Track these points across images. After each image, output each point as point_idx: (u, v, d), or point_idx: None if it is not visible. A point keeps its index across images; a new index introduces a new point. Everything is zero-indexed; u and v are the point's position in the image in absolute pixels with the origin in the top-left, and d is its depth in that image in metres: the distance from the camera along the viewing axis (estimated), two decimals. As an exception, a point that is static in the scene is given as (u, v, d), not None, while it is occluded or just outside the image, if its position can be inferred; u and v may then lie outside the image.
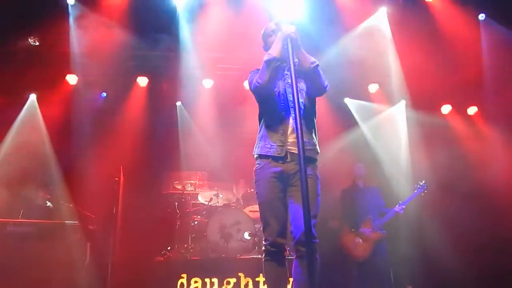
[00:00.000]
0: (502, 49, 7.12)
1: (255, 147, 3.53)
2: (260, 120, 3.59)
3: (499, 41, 7.15)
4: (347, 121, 8.11)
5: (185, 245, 6.74)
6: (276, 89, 3.46)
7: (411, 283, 6.43)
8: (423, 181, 6.32)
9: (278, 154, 3.37)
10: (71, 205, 6.67)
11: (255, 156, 3.51)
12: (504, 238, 6.82)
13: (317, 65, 3.37)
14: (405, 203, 6.13)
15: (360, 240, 6.15)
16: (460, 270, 6.56)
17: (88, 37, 7.13)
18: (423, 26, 7.00)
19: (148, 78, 8.13)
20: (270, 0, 6.49)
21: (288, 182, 3.40)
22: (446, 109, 8.26)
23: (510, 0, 6.40)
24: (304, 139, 3.05)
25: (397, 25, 7.17)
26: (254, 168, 3.51)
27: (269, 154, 3.39)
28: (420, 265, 6.64)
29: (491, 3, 6.77)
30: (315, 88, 3.47)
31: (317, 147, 3.50)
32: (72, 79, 7.75)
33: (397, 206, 6.11)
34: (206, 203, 7.20)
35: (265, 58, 3.37)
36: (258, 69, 3.47)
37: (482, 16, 7.15)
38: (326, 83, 3.46)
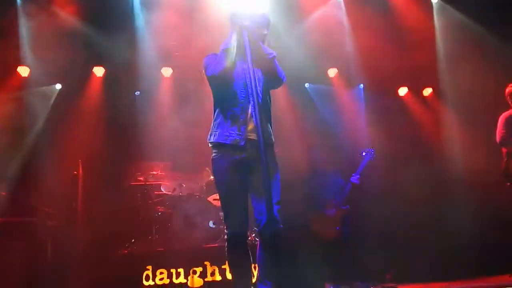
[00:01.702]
0: (454, 31, 7.33)
1: (210, 135, 3.47)
2: (215, 107, 3.54)
3: (451, 24, 7.36)
4: (308, 106, 8.18)
5: (149, 237, 6.68)
6: (235, 77, 3.41)
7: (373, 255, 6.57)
8: (369, 148, 6.41)
9: (237, 142, 3.34)
10: (29, 202, 6.47)
11: (211, 144, 3.47)
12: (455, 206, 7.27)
13: (274, 56, 3.36)
14: (358, 173, 6.19)
15: (326, 221, 6.23)
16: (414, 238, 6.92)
17: (39, 26, 6.87)
18: (378, 10, 7.12)
19: (104, 68, 7.92)
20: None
21: (249, 170, 3.38)
22: (402, 91, 8.46)
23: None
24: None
25: (354, 10, 7.26)
26: (211, 157, 3.47)
27: (227, 142, 3.36)
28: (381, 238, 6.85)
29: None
30: (272, 80, 3.45)
31: (272, 136, 3.51)
32: (23, 71, 7.45)
33: (351, 177, 6.19)
34: (170, 193, 7.14)
35: (222, 46, 3.34)
36: (214, 54, 3.44)
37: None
38: (283, 75, 3.45)
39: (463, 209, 7.14)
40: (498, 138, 5.24)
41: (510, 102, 5.42)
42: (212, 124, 3.51)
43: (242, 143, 3.34)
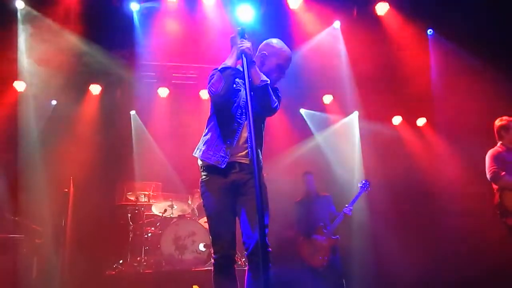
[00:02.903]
0: (449, 63, 7.44)
1: (197, 149, 3.45)
2: (208, 121, 3.51)
3: (445, 56, 7.47)
4: (302, 131, 8.21)
5: (138, 258, 6.58)
6: (233, 98, 3.41)
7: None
8: (365, 180, 6.42)
9: (218, 163, 3.30)
10: (16, 218, 6.38)
11: (199, 162, 3.43)
12: (448, 237, 7.24)
13: (267, 84, 3.32)
14: (351, 204, 6.19)
15: (315, 248, 6.19)
16: (407, 269, 6.79)
17: (38, 43, 6.90)
18: (375, 39, 7.23)
19: (101, 86, 7.94)
20: (226, 12, 6.65)
21: (237, 193, 3.34)
22: (397, 120, 8.51)
23: (455, 17, 6.67)
24: None
25: (350, 38, 7.36)
26: (200, 180, 3.44)
27: (213, 162, 3.32)
28: (371, 267, 6.78)
29: (439, 19, 7.06)
30: (263, 107, 3.35)
31: (261, 157, 3.46)
32: (20, 86, 7.45)
33: (344, 208, 6.17)
34: (160, 214, 7.07)
35: (220, 67, 3.35)
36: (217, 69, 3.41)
37: (430, 32, 7.45)
38: (275, 104, 3.39)
39: (457, 244, 7.10)
40: (490, 174, 5.19)
41: (497, 137, 5.38)
42: (201, 138, 3.48)
43: (223, 165, 3.30)
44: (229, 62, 3.35)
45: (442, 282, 6.81)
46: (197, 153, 3.44)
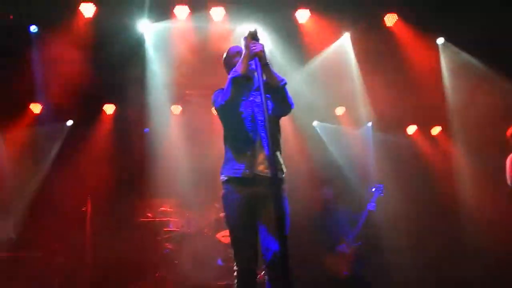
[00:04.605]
0: (461, 70, 7.41)
1: (222, 169, 3.46)
2: (225, 142, 3.51)
3: (457, 63, 7.44)
4: (316, 144, 8.19)
5: (157, 274, 6.59)
6: (242, 109, 3.40)
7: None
8: (378, 184, 6.37)
9: (247, 176, 3.31)
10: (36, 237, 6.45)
11: (222, 178, 3.44)
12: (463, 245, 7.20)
13: (285, 83, 3.34)
14: (373, 201, 6.15)
15: (338, 259, 6.14)
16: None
17: (53, 65, 7.03)
18: (385, 50, 7.24)
19: (114, 106, 8.04)
20: (236, 28, 6.73)
21: (258, 205, 3.33)
22: (411, 129, 8.47)
23: (465, 24, 6.65)
24: None
25: (361, 49, 7.38)
26: (221, 193, 3.45)
27: (236, 176, 3.34)
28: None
29: (449, 27, 7.05)
30: (282, 107, 3.41)
31: (283, 166, 3.46)
32: (36, 108, 7.59)
33: (368, 204, 6.12)
34: (178, 230, 7.09)
35: (230, 75, 3.30)
36: (222, 89, 3.40)
37: (440, 40, 7.44)
38: (292, 101, 3.43)
39: (474, 250, 7.00)
40: (510, 180, 5.11)
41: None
42: (224, 159, 3.49)
43: (251, 177, 3.31)
44: (241, 67, 3.27)
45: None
46: (222, 173, 3.44)
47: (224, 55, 3.68)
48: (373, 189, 6.31)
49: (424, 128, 8.46)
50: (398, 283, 6.63)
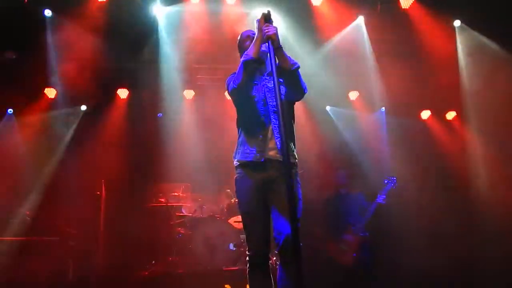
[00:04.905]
0: (477, 54, 7.27)
1: (235, 153, 3.46)
2: (238, 126, 3.51)
3: (474, 46, 7.30)
4: (329, 129, 8.15)
5: (170, 258, 6.67)
6: (254, 93, 3.39)
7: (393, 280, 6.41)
8: (391, 177, 6.32)
9: (257, 159, 3.30)
10: (51, 221, 6.55)
11: (235, 163, 3.44)
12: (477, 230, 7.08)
13: (298, 67, 3.30)
14: (383, 194, 6.11)
15: (343, 246, 6.14)
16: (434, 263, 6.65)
17: (67, 50, 7.05)
18: (400, 33, 7.12)
19: (128, 90, 8.07)
20: (249, 11, 6.65)
21: (270, 189, 3.32)
22: (425, 114, 8.37)
23: (482, 6, 6.50)
24: None
25: (375, 33, 7.27)
26: (234, 178, 3.45)
27: (248, 159, 3.33)
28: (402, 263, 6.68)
29: (465, 10, 6.90)
30: (295, 91, 3.38)
31: (295, 152, 3.44)
32: (50, 92, 7.65)
33: (378, 197, 6.08)
34: (190, 215, 7.14)
35: (242, 59, 3.27)
36: (235, 73, 3.36)
37: (457, 23, 7.29)
38: (305, 85, 3.39)
39: (489, 238, 6.94)
40: None
41: None
42: (236, 142, 3.49)
43: (262, 159, 3.30)
44: (253, 49, 3.23)
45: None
46: (235, 157, 3.44)
47: (238, 39, 3.66)
48: (386, 182, 6.25)
49: (439, 113, 8.34)
50: (406, 271, 6.56)
